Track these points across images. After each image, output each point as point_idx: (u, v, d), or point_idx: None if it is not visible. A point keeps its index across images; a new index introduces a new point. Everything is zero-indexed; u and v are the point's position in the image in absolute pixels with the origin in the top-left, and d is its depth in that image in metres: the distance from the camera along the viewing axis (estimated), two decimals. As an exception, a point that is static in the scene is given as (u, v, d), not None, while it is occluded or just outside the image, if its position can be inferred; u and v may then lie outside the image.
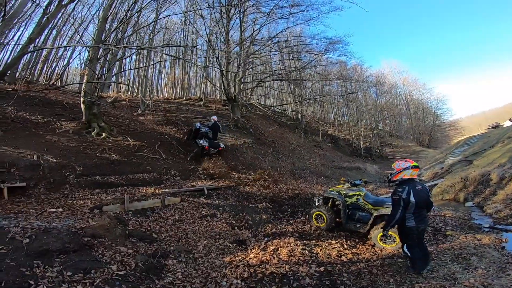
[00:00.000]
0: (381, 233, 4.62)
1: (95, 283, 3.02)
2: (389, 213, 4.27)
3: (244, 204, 7.37)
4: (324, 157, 20.73)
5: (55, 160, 7.05)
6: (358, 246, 5.01)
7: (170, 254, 4.21)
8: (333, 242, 5.06)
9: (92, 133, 9.50)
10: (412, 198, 3.63)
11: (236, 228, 5.90)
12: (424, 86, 48.03)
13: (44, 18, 8.19)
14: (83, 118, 10.06)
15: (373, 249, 4.83)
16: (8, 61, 11.18)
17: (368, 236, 5.11)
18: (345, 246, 4.90)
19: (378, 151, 32.39)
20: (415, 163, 3.89)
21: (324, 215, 5.76)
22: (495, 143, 14.21)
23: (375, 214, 5.06)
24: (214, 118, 12.22)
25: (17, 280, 2.75)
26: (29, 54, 15.44)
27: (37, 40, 14.73)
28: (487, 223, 6.13)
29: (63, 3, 7.40)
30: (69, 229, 3.90)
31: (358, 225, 5.36)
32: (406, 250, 4.00)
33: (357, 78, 32.08)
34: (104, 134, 9.63)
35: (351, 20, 78.64)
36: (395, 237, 4.68)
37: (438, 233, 5.55)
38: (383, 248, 4.78)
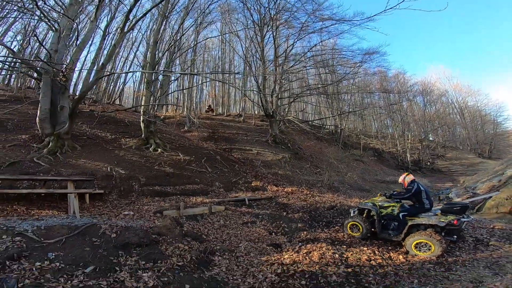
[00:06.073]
0: (416, 241, 4.93)
1: (161, 271, 3.83)
2: (424, 222, 5.18)
3: (281, 213, 7.93)
4: (365, 171, 20.19)
5: (123, 172, 8.53)
6: (390, 253, 5.16)
7: (216, 252, 5.00)
8: (365, 248, 5.32)
9: (150, 149, 11.11)
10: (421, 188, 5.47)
11: (273, 233, 6.49)
12: (479, 92, 43.49)
13: (111, 46, 9.67)
14: (143, 135, 11.79)
15: (405, 256, 4.97)
16: (81, 84, 13.34)
17: (403, 244, 5.30)
18: (376, 252, 5.14)
19: (428, 163, 30.32)
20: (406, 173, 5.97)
21: (359, 225, 6.01)
22: None
23: (409, 223, 5.29)
24: None
25: (107, 266, 3.60)
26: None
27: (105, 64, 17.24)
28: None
29: (124, 31, 8.82)
30: (142, 227, 4.92)
31: (392, 234, 5.58)
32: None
33: (399, 88, 30.50)
34: (159, 150, 11.16)
35: (387, 28, 75.42)
36: (430, 245, 4.80)
37: (479, 243, 5.45)
38: (416, 255, 4.91)
